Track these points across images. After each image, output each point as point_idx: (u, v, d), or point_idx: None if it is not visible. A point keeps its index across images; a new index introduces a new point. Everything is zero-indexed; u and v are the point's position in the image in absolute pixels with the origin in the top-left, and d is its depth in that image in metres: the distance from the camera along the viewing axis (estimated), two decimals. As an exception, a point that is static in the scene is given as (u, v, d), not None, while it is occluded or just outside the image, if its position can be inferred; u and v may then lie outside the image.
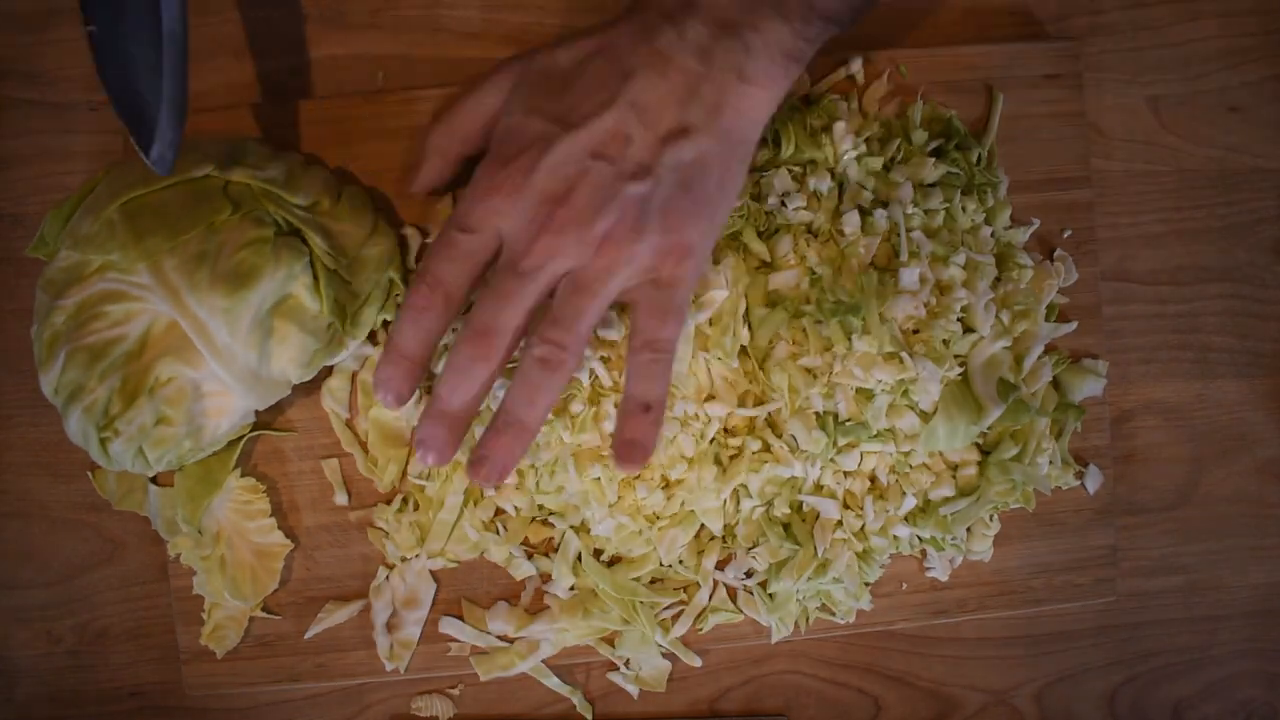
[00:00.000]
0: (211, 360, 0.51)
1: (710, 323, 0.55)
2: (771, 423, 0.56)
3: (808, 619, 0.60)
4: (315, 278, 0.53)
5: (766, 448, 0.56)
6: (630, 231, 0.48)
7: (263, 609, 0.58)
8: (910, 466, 0.57)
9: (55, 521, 0.61)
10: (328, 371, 0.58)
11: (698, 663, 0.60)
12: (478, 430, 0.54)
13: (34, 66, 0.60)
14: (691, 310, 0.54)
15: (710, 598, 0.59)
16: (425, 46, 0.61)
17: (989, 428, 0.56)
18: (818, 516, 0.57)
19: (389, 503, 0.58)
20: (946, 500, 0.57)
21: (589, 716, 0.61)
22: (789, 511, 0.57)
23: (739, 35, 0.47)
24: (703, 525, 0.57)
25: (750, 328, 0.55)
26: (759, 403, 0.56)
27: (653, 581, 0.58)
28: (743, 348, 0.56)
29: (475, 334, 0.49)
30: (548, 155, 0.47)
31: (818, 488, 0.57)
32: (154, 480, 0.58)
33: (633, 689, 0.61)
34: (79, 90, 0.60)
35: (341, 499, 0.59)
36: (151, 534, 0.60)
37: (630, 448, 0.50)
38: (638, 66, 0.48)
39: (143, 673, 0.61)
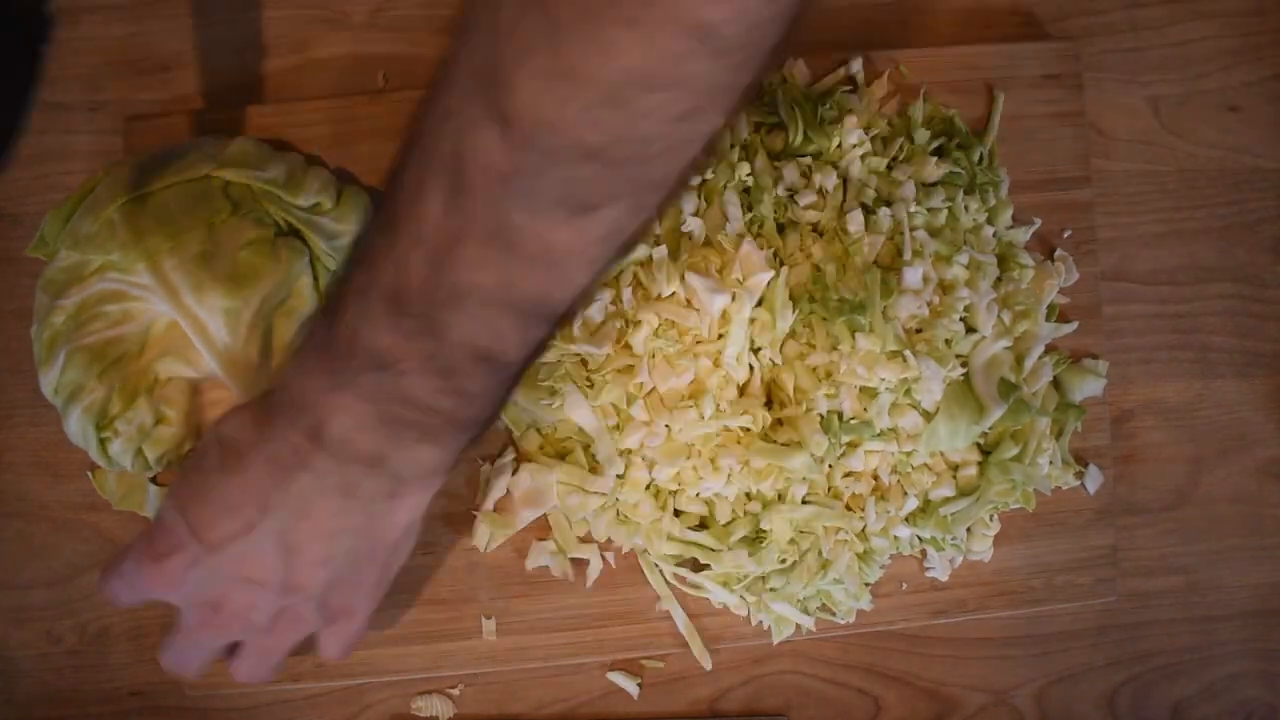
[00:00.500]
0: (211, 360, 0.51)
1: (759, 303, 0.55)
2: (786, 420, 0.56)
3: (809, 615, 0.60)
4: (315, 277, 0.53)
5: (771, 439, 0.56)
6: (294, 623, 0.48)
7: None
8: (912, 467, 0.57)
9: (55, 521, 0.60)
10: None
11: (708, 665, 0.60)
12: None
13: (34, 66, 0.60)
14: (741, 294, 0.54)
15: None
16: (425, 46, 0.61)
17: (990, 427, 0.56)
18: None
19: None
20: (947, 500, 0.57)
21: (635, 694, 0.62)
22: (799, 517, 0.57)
23: (385, 467, 0.43)
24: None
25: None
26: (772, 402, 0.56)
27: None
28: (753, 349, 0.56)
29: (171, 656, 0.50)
30: (195, 573, 0.46)
31: (828, 489, 0.57)
32: (154, 480, 0.58)
33: (633, 689, 0.61)
34: (79, 90, 0.60)
35: None
36: (151, 534, 0.60)
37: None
38: (274, 505, 0.44)
39: (143, 673, 0.61)
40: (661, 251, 0.55)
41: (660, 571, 0.59)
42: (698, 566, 0.59)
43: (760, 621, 0.59)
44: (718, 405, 0.54)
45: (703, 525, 0.58)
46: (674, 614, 0.59)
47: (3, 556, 0.60)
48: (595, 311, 0.55)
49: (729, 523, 0.57)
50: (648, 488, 0.57)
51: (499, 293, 0.37)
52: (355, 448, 0.42)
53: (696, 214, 0.56)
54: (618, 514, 0.57)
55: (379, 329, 0.38)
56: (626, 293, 0.55)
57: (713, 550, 0.57)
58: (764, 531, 0.56)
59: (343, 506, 0.44)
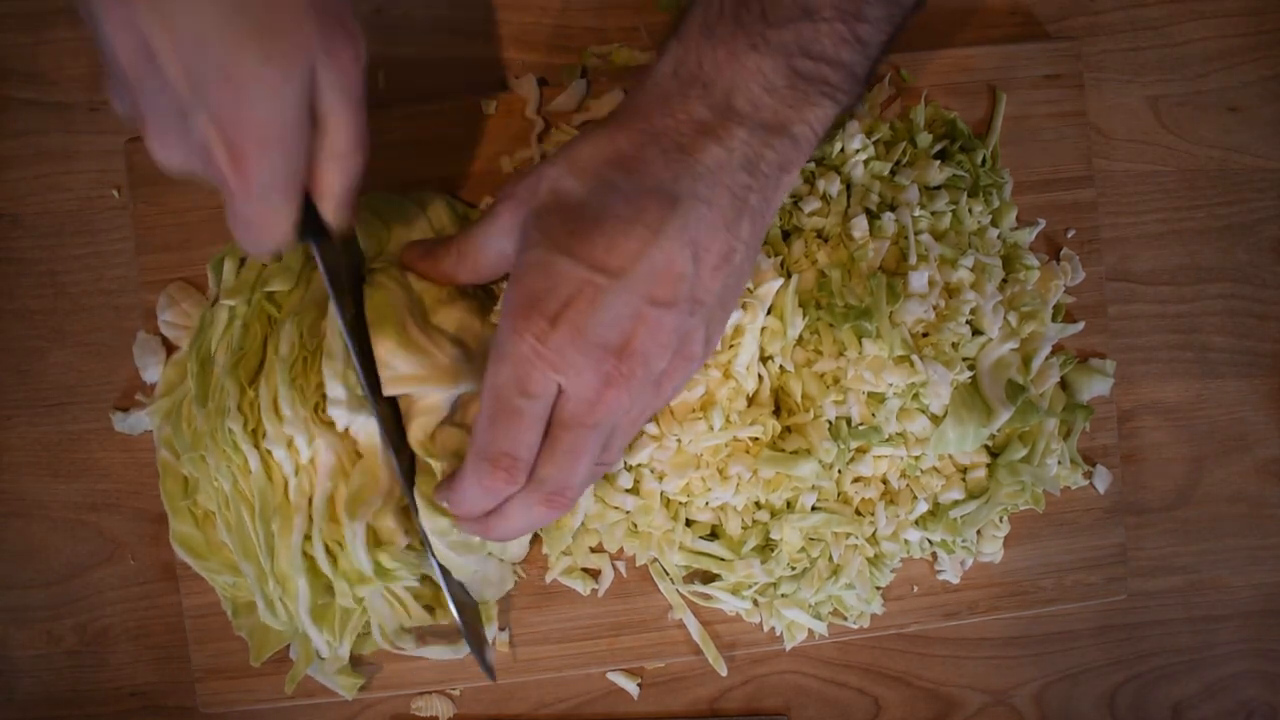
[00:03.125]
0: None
1: (769, 311, 0.53)
2: (794, 427, 0.55)
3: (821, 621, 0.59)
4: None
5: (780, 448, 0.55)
6: (685, 363, 0.45)
7: None
8: (920, 470, 0.56)
9: (55, 521, 0.60)
10: None
11: (724, 672, 0.60)
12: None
13: (34, 66, 0.59)
14: (753, 304, 0.52)
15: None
16: (426, 47, 0.61)
17: (998, 429, 0.55)
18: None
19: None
20: (956, 503, 0.56)
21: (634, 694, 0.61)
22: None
23: (786, 132, 0.42)
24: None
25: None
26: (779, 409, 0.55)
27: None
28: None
29: (552, 494, 0.45)
30: (600, 309, 0.42)
31: (837, 494, 0.56)
32: None
33: (633, 689, 0.61)
34: (79, 90, 0.59)
35: None
36: (152, 534, 0.60)
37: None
38: (681, 194, 0.42)
39: (143, 673, 0.60)
40: None
41: (671, 580, 0.58)
42: (708, 577, 0.58)
43: (773, 627, 0.59)
44: (727, 416, 0.53)
45: (713, 535, 0.57)
46: (687, 623, 0.58)
47: (3, 556, 0.60)
48: None
49: (743, 529, 0.56)
50: (662, 501, 0.56)
51: None
52: (763, 114, 0.42)
53: None
54: (634, 526, 0.56)
55: None
56: None
57: (724, 560, 0.56)
58: (774, 540, 0.56)
59: (746, 184, 0.42)
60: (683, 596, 0.58)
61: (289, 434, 0.50)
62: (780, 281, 0.53)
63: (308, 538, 0.50)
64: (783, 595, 0.57)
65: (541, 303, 0.42)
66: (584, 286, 0.42)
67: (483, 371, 0.45)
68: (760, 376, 0.54)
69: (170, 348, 0.58)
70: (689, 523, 0.56)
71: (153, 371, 0.57)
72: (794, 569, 0.56)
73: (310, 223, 0.44)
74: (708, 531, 0.57)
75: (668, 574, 0.58)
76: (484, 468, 0.44)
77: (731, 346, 0.53)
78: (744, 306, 0.52)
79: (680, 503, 0.56)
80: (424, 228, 0.55)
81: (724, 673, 0.59)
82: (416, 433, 0.50)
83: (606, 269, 0.41)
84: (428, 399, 0.50)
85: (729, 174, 0.42)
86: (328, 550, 0.51)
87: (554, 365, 0.42)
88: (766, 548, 0.56)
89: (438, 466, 0.49)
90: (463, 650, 0.56)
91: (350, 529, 0.50)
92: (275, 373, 0.50)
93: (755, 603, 0.58)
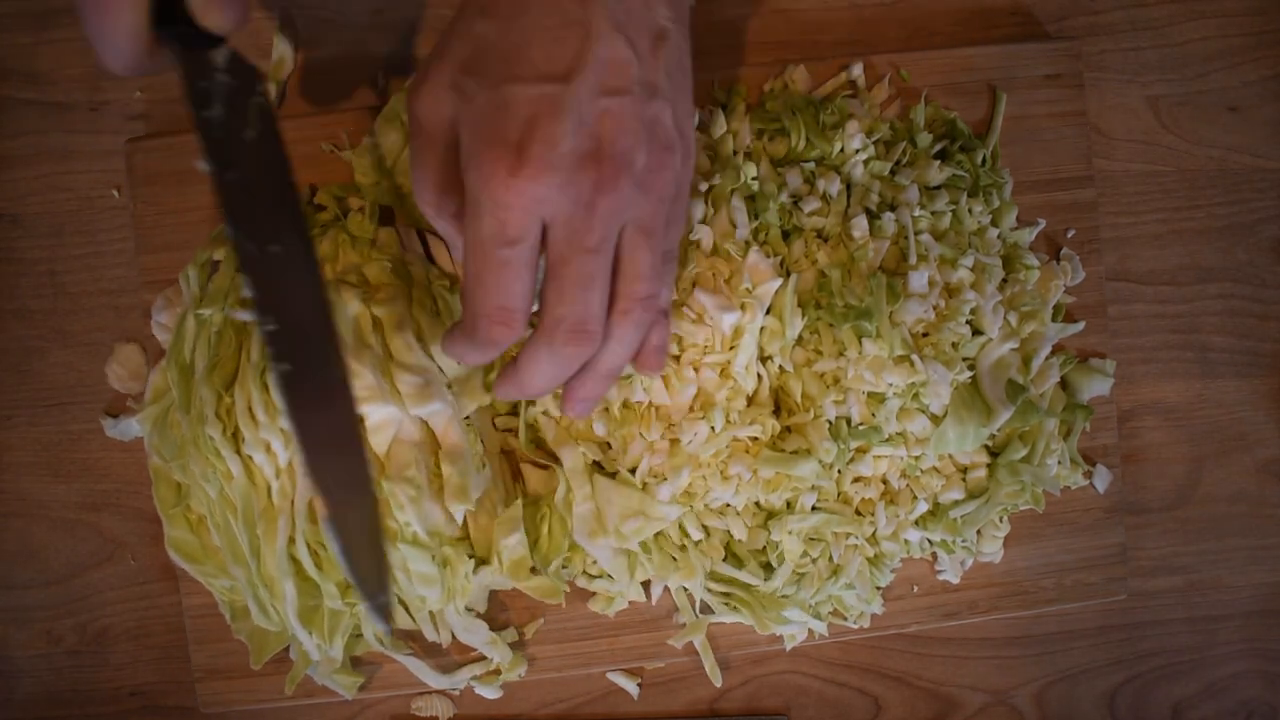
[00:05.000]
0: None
1: (768, 311, 0.53)
2: (794, 427, 0.55)
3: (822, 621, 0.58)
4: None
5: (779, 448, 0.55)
6: (665, 153, 0.43)
7: None
8: (920, 470, 0.56)
9: (55, 521, 0.60)
10: None
11: (719, 682, 0.60)
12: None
13: (34, 66, 0.59)
14: (752, 304, 0.52)
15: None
16: (425, 47, 0.61)
17: (998, 429, 0.55)
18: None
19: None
20: (956, 503, 0.56)
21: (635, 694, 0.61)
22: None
23: None
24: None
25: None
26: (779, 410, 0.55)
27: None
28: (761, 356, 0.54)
29: (574, 331, 0.43)
30: (561, 117, 0.40)
31: (837, 494, 0.56)
32: None
33: (633, 689, 0.61)
34: (79, 90, 0.59)
35: None
36: (152, 534, 0.59)
37: (659, 353, 0.48)
38: None
39: (143, 673, 0.60)
40: None
41: (687, 593, 0.58)
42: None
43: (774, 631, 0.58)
44: (727, 416, 0.53)
45: (727, 549, 0.57)
46: (687, 615, 0.58)
47: (3, 556, 0.60)
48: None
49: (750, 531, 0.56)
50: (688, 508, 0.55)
51: None
52: None
53: (704, 221, 0.54)
54: (672, 558, 0.56)
55: None
56: None
57: (749, 586, 0.56)
58: (773, 542, 0.55)
59: None
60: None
61: (265, 439, 0.50)
62: (779, 281, 0.53)
63: (291, 540, 0.50)
64: (783, 597, 0.57)
65: (502, 135, 0.41)
66: (539, 102, 0.40)
67: (438, 395, 0.44)
68: (760, 376, 0.54)
69: (162, 353, 0.58)
70: (697, 542, 0.56)
71: (119, 382, 0.58)
72: (799, 575, 0.56)
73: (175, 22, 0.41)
74: (720, 554, 0.57)
75: (684, 589, 0.58)
76: (479, 324, 0.43)
77: (732, 347, 0.53)
78: (742, 307, 0.52)
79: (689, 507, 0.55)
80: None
81: (719, 683, 0.59)
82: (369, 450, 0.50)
83: (554, 77, 0.41)
84: (377, 416, 0.50)
85: None
86: (312, 552, 0.50)
87: (534, 198, 0.41)
88: (765, 552, 0.56)
89: (386, 487, 0.50)
90: (456, 681, 0.57)
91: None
92: (248, 379, 0.50)
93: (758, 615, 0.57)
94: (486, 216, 0.41)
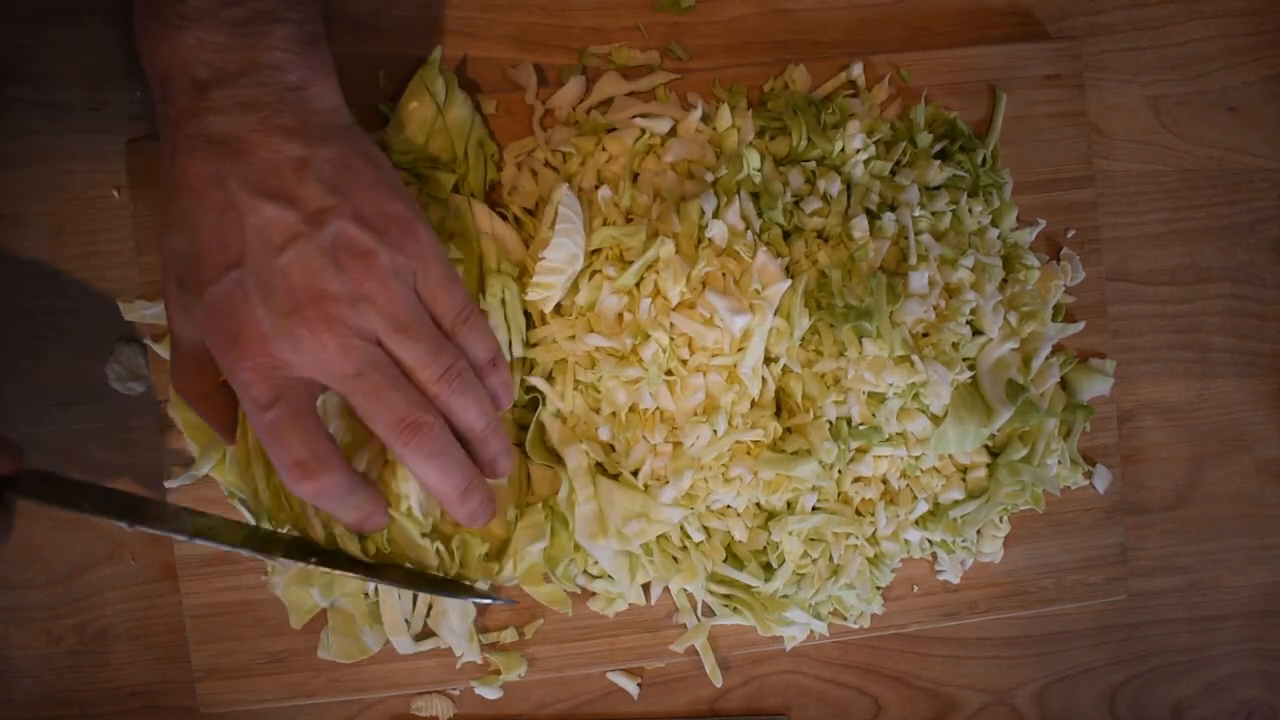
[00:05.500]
0: None
1: (775, 313, 0.53)
2: (795, 428, 0.55)
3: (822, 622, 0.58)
4: None
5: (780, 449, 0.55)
6: (364, 258, 0.45)
7: None
8: (920, 470, 0.56)
9: (55, 521, 0.59)
10: None
11: (719, 683, 0.60)
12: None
13: (34, 66, 0.59)
14: (762, 306, 0.52)
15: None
16: (425, 47, 0.61)
17: (998, 429, 0.55)
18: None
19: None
20: (956, 503, 0.56)
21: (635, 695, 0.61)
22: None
23: (258, 66, 0.44)
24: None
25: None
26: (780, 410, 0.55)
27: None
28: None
29: (402, 429, 0.45)
30: (250, 296, 0.44)
31: (838, 494, 0.56)
32: None
33: (633, 689, 0.61)
34: (79, 90, 0.59)
35: None
36: (152, 533, 0.60)
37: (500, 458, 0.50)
38: (225, 170, 0.44)
39: (143, 673, 0.60)
40: (669, 249, 0.53)
41: (688, 595, 0.58)
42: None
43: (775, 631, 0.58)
44: (730, 420, 0.53)
45: (727, 550, 0.57)
46: (695, 642, 0.58)
47: (3, 556, 0.60)
48: (610, 303, 0.54)
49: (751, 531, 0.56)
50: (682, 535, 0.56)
51: None
52: (229, 68, 0.44)
53: (715, 214, 0.54)
54: (674, 559, 0.56)
55: None
56: (645, 303, 0.53)
57: (750, 587, 0.56)
58: (774, 542, 0.55)
59: (261, 120, 0.44)
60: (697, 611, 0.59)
61: None
62: (788, 283, 0.53)
63: None
64: (784, 597, 0.57)
65: (221, 332, 0.45)
66: (232, 293, 0.44)
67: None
68: (764, 379, 0.54)
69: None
70: (698, 544, 0.56)
71: (119, 382, 0.58)
72: (799, 575, 0.56)
73: None
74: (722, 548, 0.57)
75: (685, 591, 0.58)
76: (291, 482, 0.45)
77: (740, 349, 0.53)
78: (751, 308, 0.52)
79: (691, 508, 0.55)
80: None
81: (719, 684, 0.59)
82: None
83: (232, 264, 0.44)
84: None
85: (240, 124, 0.44)
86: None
87: (266, 370, 0.44)
88: (766, 551, 0.56)
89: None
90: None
91: None
92: None
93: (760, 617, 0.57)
94: (243, 398, 0.45)
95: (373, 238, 0.45)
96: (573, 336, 0.54)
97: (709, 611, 0.58)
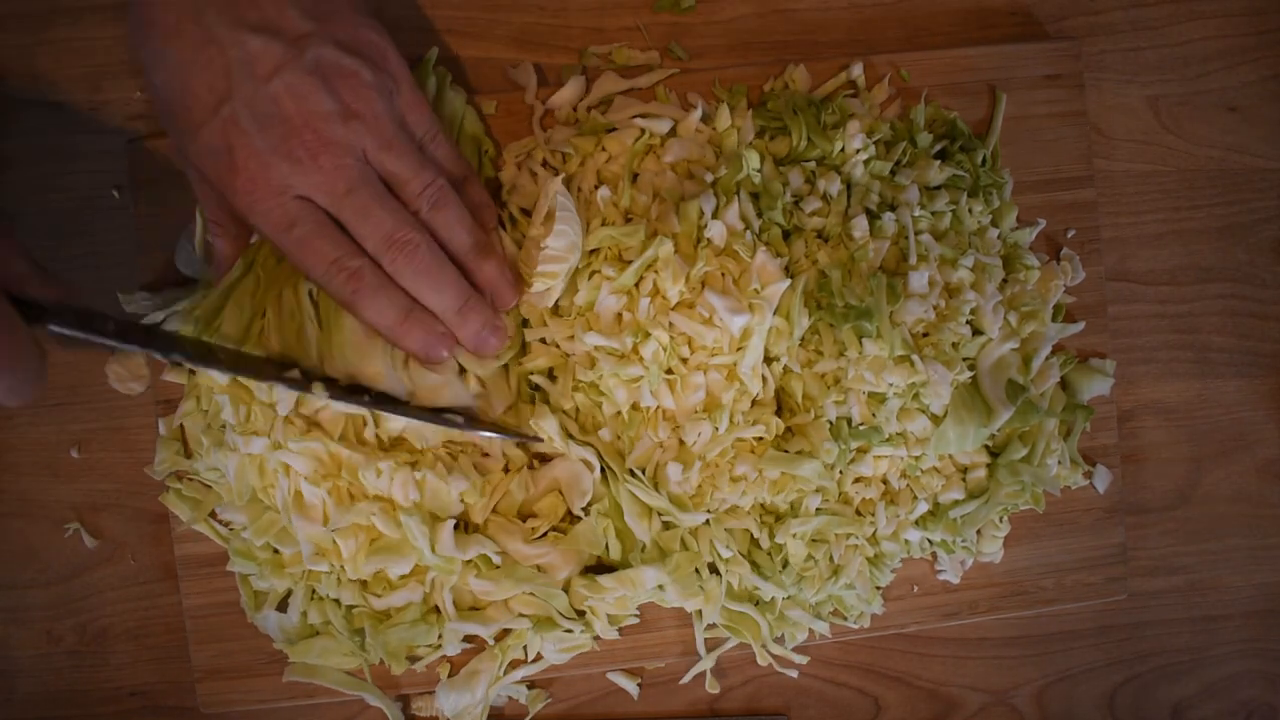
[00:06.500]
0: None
1: (775, 312, 0.53)
2: (796, 428, 0.55)
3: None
4: None
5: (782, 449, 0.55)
6: (350, 79, 0.47)
7: None
8: (921, 470, 0.56)
9: (55, 521, 0.60)
10: None
11: (716, 689, 0.60)
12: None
13: (34, 66, 0.59)
14: (761, 305, 0.52)
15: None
16: (425, 47, 0.60)
17: (998, 429, 0.55)
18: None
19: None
20: (957, 503, 0.56)
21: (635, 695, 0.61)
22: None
23: None
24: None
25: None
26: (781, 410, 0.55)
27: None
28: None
29: (391, 245, 0.48)
30: (243, 128, 0.45)
31: (838, 494, 0.56)
32: None
33: (633, 689, 0.61)
34: (79, 90, 0.59)
35: None
36: (152, 534, 0.59)
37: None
38: (201, 5, 0.45)
39: (143, 673, 0.60)
40: (668, 248, 0.52)
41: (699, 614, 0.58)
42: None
43: (779, 635, 0.58)
44: (731, 418, 0.53)
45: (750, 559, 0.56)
46: (698, 647, 0.58)
47: (3, 556, 0.60)
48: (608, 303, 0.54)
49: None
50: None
51: None
52: None
53: (715, 214, 0.54)
54: (699, 588, 0.55)
55: None
56: (644, 303, 0.53)
57: (770, 602, 0.56)
58: (778, 545, 0.55)
59: None
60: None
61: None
62: (788, 282, 0.53)
63: None
64: (786, 598, 0.57)
65: (224, 169, 0.46)
66: (226, 127, 0.46)
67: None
68: (764, 378, 0.54)
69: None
70: (726, 560, 0.56)
71: (119, 382, 0.59)
72: (800, 576, 0.56)
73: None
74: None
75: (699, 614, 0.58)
76: (334, 285, 0.48)
77: (739, 349, 0.53)
78: (750, 308, 0.52)
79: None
80: None
81: (715, 690, 0.59)
82: None
83: (222, 98, 0.45)
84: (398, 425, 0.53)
85: None
86: None
87: (274, 196, 0.46)
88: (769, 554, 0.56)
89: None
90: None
91: None
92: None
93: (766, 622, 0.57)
94: (261, 227, 0.47)
95: (354, 60, 0.47)
96: (571, 337, 0.54)
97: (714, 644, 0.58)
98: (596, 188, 0.55)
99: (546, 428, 0.53)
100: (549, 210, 0.52)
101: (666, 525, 0.55)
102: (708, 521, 0.55)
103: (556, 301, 0.54)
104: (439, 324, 0.50)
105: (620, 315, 0.53)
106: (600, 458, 0.54)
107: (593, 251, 0.54)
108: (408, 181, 0.49)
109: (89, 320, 0.48)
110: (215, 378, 0.52)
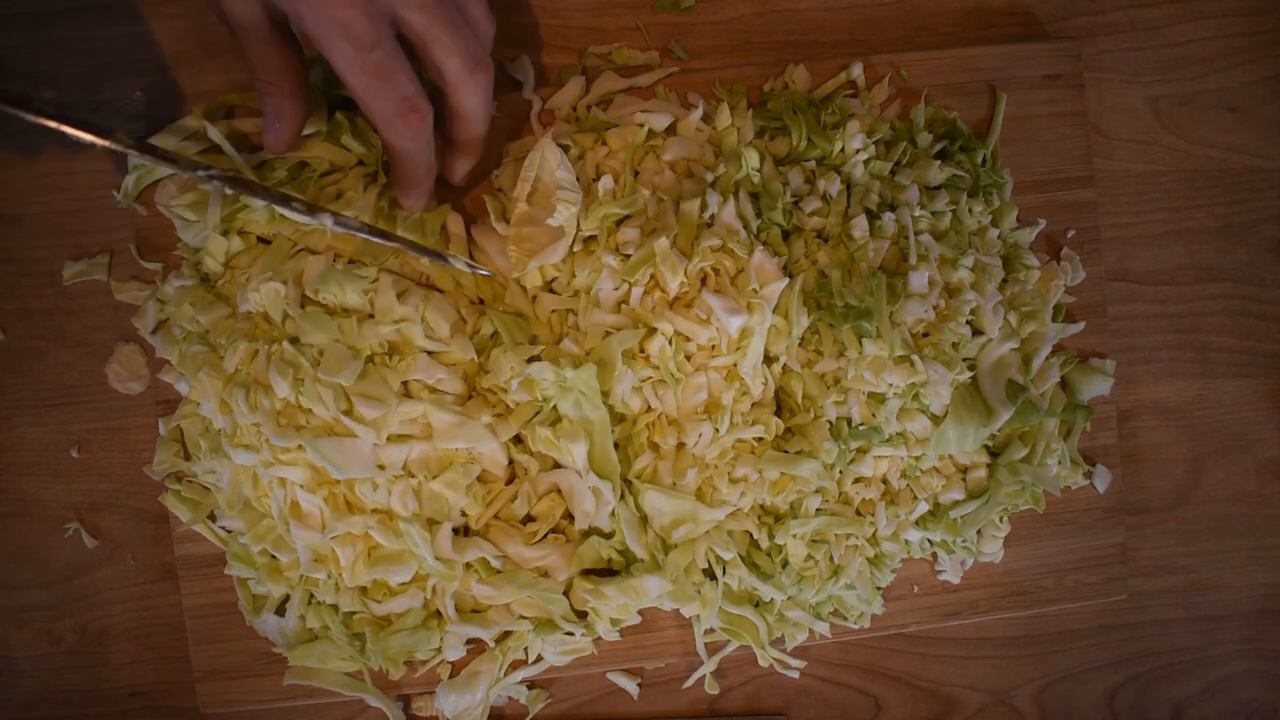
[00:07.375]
0: None
1: (774, 311, 0.53)
2: (795, 428, 0.55)
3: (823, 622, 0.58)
4: None
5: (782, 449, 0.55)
6: None
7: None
8: (921, 470, 0.56)
9: (55, 521, 0.60)
10: None
11: (715, 690, 0.60)
12: None
13: (34, 66, 0.59)
14: (759, 305, 0.52)
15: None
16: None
17: (998, 429, 0.55)
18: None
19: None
20: (957, 503, 0.56)
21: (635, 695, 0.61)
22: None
23: None
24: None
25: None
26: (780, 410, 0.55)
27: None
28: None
29: (474, 56, 0.46)
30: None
31: (838, 495, 0.56)
32: None
33: (633, 688, 0.61)
34: (79, 90, 0.59)
35: None
36: (152, 534, 0.59)
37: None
38: None
39: (143, 673, 0.60)
40: (664, 244, 0.52)
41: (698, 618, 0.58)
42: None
43: (779, 636, 0.58)
44: (731, 419, 0.53)
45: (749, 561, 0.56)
46: (698, 646, 0.58)
47: (3, 556, 0.60)
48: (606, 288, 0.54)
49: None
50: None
51: None
52: None
53: (715, 213, 0.54)
54: (697, 591, 0.56)
55: None
56: (636, 292, 0.53)
57: (769, 603, 0.56)
58: (778, 545, 0.56)
59: None
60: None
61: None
62: (785, 282, 0.53)
63: None
64: (787, 598, 0.57)
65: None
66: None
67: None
68: (765, 379, 0.54)
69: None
70: (727, 561, 0.56)
71: (119, 382, 0.58)
72: (800, 576, 0.56)
73: None
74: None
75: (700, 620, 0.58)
76: (395, 126, 0.46)
77: (739, 349, 0.53)
78: (749, 308, 0.52)
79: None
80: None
81: (715, 691, 0.59)
82: None
83: None
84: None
85: None
86: None
87: (368, 6, 0.43)
88: (770, 556, 0.56)
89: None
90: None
91: None
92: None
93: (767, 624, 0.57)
94: (340, 42, 0.43)
95: None
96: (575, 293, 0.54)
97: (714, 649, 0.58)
98: (596, 179, 0.55)
99: (575, 453, 0.53)
100: (541, 159, 0.53)
101: (668, 549, 0.55)
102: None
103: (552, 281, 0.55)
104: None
105: (619, 306, 0.54)
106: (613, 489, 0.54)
107: (591, 238, 0.54)
108: (450, 32, 0.46)
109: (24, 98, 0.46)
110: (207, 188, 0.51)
